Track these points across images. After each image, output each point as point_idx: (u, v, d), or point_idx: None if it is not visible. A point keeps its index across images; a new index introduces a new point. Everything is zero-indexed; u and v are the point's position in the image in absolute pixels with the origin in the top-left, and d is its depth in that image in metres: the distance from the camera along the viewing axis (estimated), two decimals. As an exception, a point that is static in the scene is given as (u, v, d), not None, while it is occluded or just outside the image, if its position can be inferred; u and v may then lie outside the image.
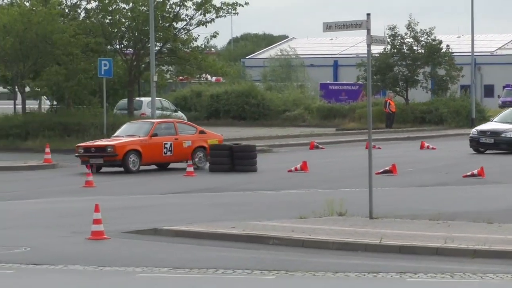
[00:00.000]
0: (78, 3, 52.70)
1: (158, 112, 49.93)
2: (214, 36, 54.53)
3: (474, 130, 38.59)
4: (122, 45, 53.43)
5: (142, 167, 32.55)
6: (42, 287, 14.90)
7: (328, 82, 78.38)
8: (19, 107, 52.56)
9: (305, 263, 15.32)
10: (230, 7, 51.13)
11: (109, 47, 52.37)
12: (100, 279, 15.29)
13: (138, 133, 32.63)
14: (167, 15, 51.04)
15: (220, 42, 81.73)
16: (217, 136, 34.19)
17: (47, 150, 38.95)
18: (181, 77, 61.96)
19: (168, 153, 31.79)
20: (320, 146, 44.23)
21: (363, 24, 20.58)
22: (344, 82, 78.07)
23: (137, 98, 54.36)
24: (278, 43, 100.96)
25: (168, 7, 51.09)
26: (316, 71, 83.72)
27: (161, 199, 27.21)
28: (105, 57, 47.95)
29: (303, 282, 14.02)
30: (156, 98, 50.46)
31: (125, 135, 33.01)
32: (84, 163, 31.72)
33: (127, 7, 51.31)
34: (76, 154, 33.25)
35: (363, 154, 35.06)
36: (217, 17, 51.60)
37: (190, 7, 51.15)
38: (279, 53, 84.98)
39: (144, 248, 18.29)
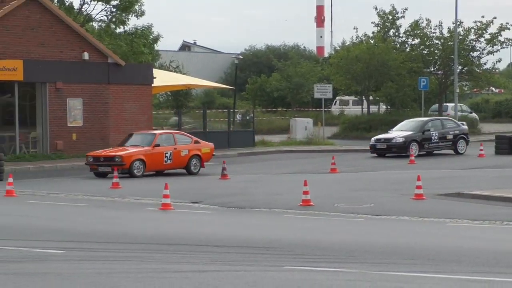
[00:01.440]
0: (405, 40, 52.46)
1: (458, 113, 48.72)
2: (498, 61, 53.91)
3: (372, 139, 33.46)
4: (435, 68, 52.87)
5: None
6: (380, 228, 15.32)
7: None
8: (365, 110, 53.34)
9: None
10: (511, 41, 50.88)
11: (425, 69, 51.48)
12: (421, 226, 15.58)
13: (142, 144, 27.48)
14: (466, 47, 50.20)
15: (502, 65, 78.98)
16: (209, 145, 29.06)
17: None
18: (474, 89, 60.09)
19: (168, 161, 26.88)
20: None
21: None
22: None
23: (444, 104, 53.66)
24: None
25: (467, 42, 50.47)
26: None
27: (460, 172, 26.38)
28: (423, 76, 47.02)
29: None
30: (458, 104, 49.84)
31: (130, 145, 27.64)
32: (92, 171, 26.83)
33: (439, 43, 51.07)
34: (86, 163, 27.41)
35: None
36: (501, 48, 50.97)
37: (482, 41, 50.44)
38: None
39: (451, 206, 18.16)
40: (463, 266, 10.05)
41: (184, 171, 27.20)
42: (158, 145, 26.61)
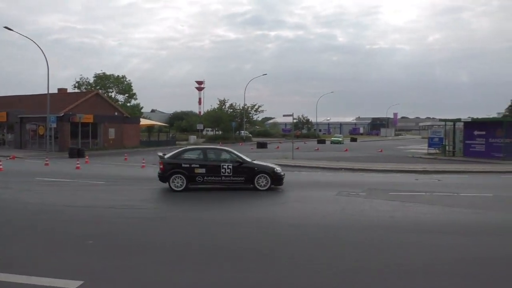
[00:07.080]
0: (228, 109, 75.46)
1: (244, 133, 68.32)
2: (258, 118, 79.79)
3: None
4: (238, 119, 72.81)
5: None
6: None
7: None
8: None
9: None
10: (261, 112, 75.55)
11: (235, 120, 71.59)
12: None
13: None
14: (247, 112, 71.23)
15: (259, 119, 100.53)
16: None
17: None
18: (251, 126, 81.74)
19: None
20: None
21: None
22: None
23: (239, 131, 72.06)
24: None
25: (248, 110, 73.02)
26: None
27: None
28: (234, 121, 67.91)
29: None
30: (245, 131, 69.63)
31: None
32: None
33: (239, 110, 74.13)
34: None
35: None
36: (258, 113, 76.46)
37: (252, 111, 75.10)
38: None
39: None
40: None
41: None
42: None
